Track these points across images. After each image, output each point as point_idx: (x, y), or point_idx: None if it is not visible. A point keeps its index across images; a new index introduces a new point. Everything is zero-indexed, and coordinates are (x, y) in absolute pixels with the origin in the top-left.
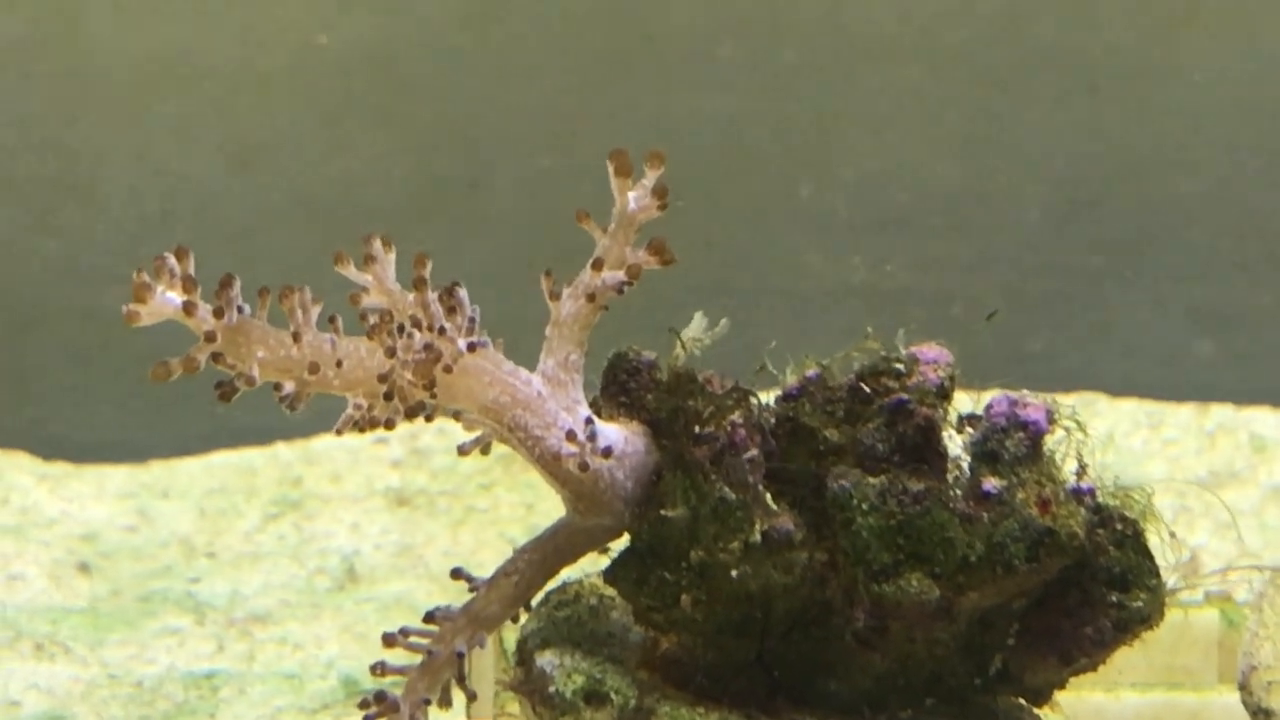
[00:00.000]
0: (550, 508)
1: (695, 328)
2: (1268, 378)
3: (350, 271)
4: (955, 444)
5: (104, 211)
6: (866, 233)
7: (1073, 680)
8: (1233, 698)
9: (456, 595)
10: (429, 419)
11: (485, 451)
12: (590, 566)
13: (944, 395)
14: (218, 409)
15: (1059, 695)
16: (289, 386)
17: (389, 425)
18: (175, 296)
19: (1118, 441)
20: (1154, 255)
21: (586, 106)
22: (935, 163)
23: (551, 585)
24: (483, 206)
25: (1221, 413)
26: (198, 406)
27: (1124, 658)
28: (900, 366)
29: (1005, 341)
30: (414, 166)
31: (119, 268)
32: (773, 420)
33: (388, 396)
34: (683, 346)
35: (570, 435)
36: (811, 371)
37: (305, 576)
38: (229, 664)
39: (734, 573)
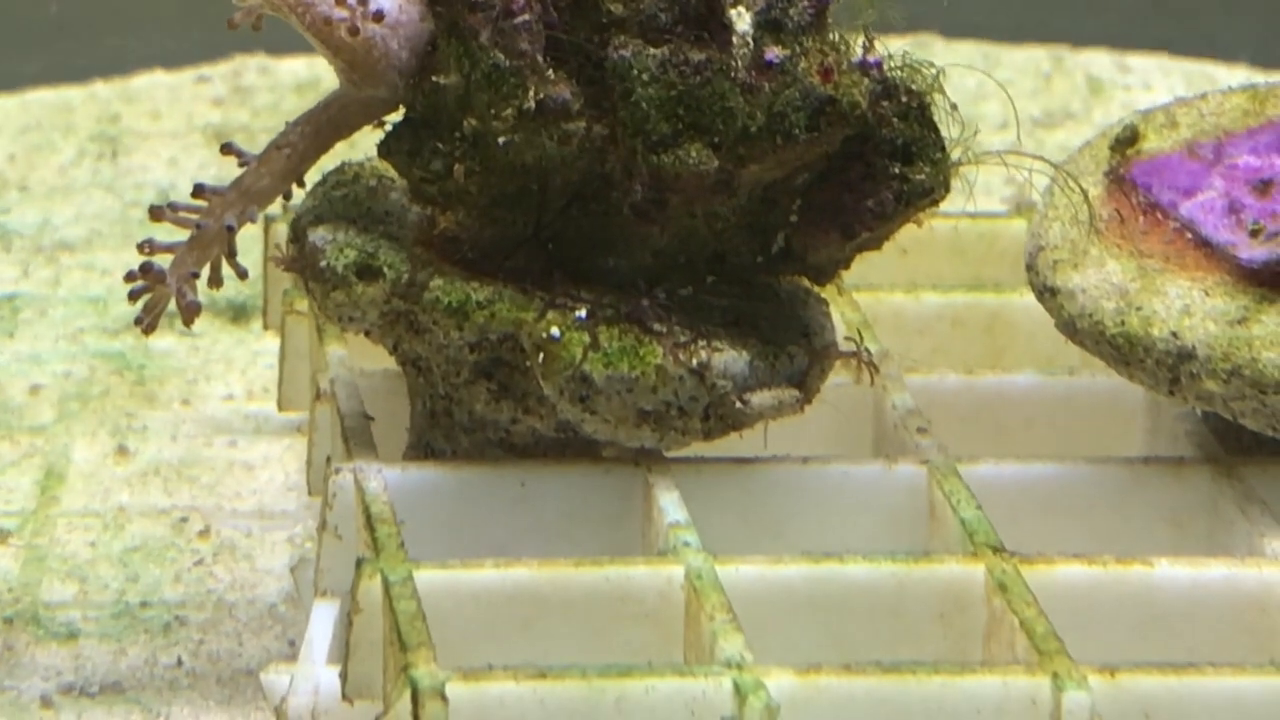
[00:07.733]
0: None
1: None
2: (1106, 18)
3: None
4: (744, 21)
5: None
6: None
7: (873, 283)
8: (1033, 298)
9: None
10: None
11: (256, 27)
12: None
13: None
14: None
15: (858, 296)
16: None
17: None
18: None
19: (953, 81)
20: None
21: None
22: None
23: (330, 166)
24: None
25: (1058, 54)
26: (14, 49)
27: (930, 268)
28: None
29: None
30: None
31: None
32: None
33: None
34: None
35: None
36: None
37: (120, 208)
38: (32, 288)
39: (505, 140)
